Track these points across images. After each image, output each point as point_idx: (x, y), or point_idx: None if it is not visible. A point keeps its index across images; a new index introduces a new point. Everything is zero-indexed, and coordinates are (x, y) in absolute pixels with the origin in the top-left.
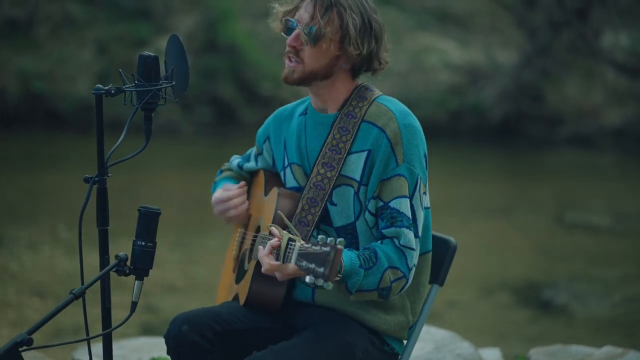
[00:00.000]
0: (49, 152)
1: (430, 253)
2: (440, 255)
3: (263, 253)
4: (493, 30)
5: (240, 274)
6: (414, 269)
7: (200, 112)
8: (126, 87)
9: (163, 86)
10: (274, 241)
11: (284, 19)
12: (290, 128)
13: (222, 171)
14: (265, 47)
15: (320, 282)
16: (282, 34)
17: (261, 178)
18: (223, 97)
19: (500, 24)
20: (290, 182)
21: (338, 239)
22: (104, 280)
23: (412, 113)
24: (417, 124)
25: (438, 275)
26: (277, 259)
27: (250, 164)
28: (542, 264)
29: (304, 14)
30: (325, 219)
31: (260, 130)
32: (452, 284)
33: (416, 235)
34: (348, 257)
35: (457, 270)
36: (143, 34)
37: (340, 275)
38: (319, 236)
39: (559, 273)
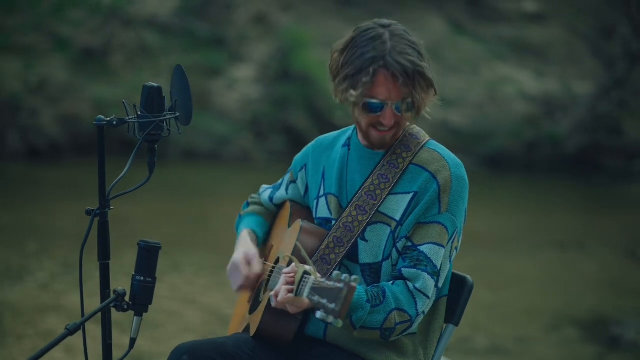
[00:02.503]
0: (124, 180)
1: (446, 298)
2: (457, 294)
3: (279, 284)
4: (569, 60)
5: (254, 305)
6: (422, 315)
7: (273, 141)
8: (128, 119)
9: (165, 117)
10: (289, 272)
11: (365, 101)
12: (331, 158)
13: (248, 204)
14: None
15: (330, 318)
16: (363, 112)
17: (287, 210)
18: (296, 125)
19: (576, 55)
20: (323, 212)
21: (353, 276)
22: (105, 316)
23: (463, 165)
24: (466, 176)
25: (454, 315)
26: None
27: (281, 193)
28: (612, 298)
29: (390, 90)
30: (350, 256)
31: (298, 157)
32: (518, 317)
33: (436, 285)
34: (356, 291)
35: (524, 304)
36: (217, 62)
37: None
38: (335, 272)
39: (629, 309)
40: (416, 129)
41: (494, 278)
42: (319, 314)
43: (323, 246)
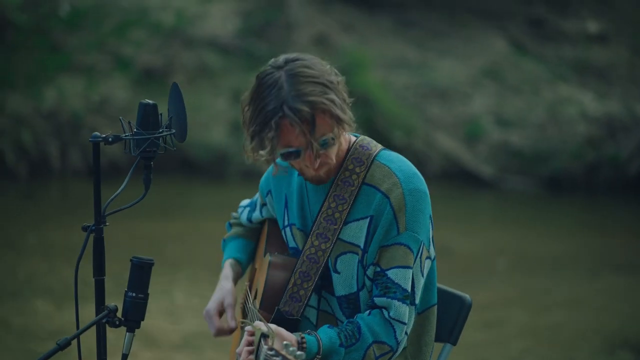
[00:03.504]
0: (183, 199)
1: (436, 307)
2: (454, 313)
3: (241, 344)
4: (632, 81)
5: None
6: (404, 339)
7: None
8: (124, 136)
9: (161, 134)
10: (251, 332)
11: (279, 154)
12: (291, 186)
13: (230, 225)
14: (397, 97)
15: None
16: (281, 161)
17: (265, 229)
18: None
19: (639, 76)
20: (291, 242)
21: (298, 352)
22: (100, 332)
23: (417, 172)
24: (423, 185)
25: (451, 334)
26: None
27: (257, 214)
28: None
29: (295, 139)
30: (327, 286)
31: (262, 180)
32: (571, 340)
33: (412, 304)
34: (327, 335)
35: (578, 326)
36: None
37: (320, 356)
38: (285, 342)
39: None
40: (366, 139)
41: (549, 301)
42: None
43: (290, 284)
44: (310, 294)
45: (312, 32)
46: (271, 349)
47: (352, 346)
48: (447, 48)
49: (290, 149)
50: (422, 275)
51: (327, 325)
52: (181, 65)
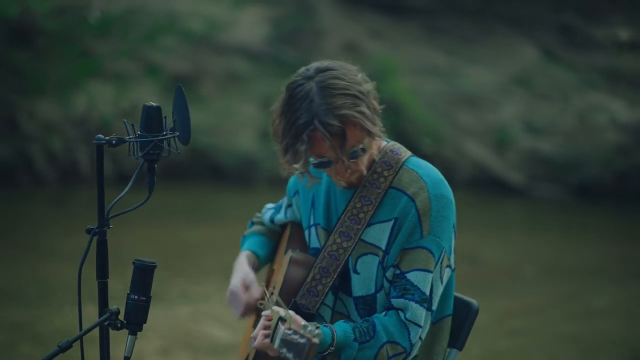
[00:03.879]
0: (211, 205)
1: (450, 317)
2: (461, 319)
3: (257, 327)
4: None
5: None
6: (418, 343)
7: None
8: (128, 138)
9: (164, 137)
10: (268, 316)
11: (312, 162)
12: (319, 186)
13: (253, 223)
14: (427, 104)
15: None
16: (313, 170)
17: (287, 232)
18: None
19: None
20: (314, 242)
21: (316, 331)
22: (103, 334)
23: (444, 180)
24: (449, 193)
25: (457, 339)
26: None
27: (280, 216)
28: None
29: (327, 151)
30: (344, 288)
31: (291, 181)
32: (598, 349)
33: (428, 309)
34: (342, 329)
35: (605, 335)
36: None
37: (333, 348)
38: (303, 323)
39: None
40: (397, 145)
41: (576, 310)
42: None
43: (309, 279)
44: (328, 291)
45: (341, 39)
46: (289, 328)
47: (366, 343)
48: (476, 55)
49: (323, 159)
50: (441, 283)
51: (343, 320)
52: (210, 71)
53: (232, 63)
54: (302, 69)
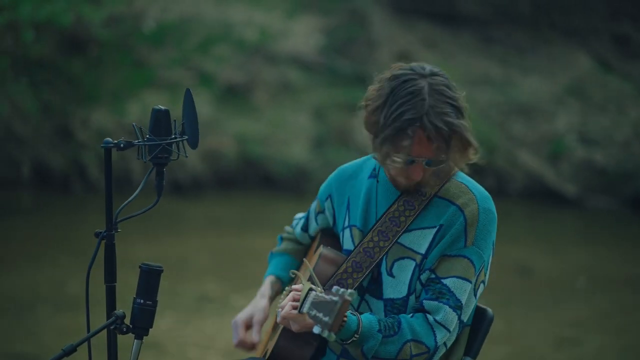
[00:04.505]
0: (263, 215)
1: (469, 327)
2: (476, 327)
3: (286, 299)
4: None
5: (276, 325)
6: (443, 348)
7: None
8: (136, 142)
9: (172, 140)
10: (297, 289)
11: (404, 159)
12: (355, 188)
13: (282, 238)
14: (480, 114)
15: (325, 332)
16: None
17: (317, 241)
18: None
19: None
20: (348, 244)
21: (349, 290)
22: (110, 339)
23: (491, 197)
24: (495, 210)
25: (472, 348)
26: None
27: (312, 223)
28: None
29: (423, 150)
30: (373, 291)
31: (323, 187)
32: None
33: (460, 319)
34: (367, 319)
35: None
36: (358, 99)
37: (358, 336)
38: (335, 286)
39: None
40: None
41: (627, 323)
42: (316, 329)
43: (341, 270)
44: (357, 285)
45: (394, 49)
46: (322, 290)
47: (390, 337)
48: (530, 65)
49: (409, 158)
50: (475, 296)
51: (369, 312)
52: (263, 81)
53: (285, 73)
54: (415, 64)
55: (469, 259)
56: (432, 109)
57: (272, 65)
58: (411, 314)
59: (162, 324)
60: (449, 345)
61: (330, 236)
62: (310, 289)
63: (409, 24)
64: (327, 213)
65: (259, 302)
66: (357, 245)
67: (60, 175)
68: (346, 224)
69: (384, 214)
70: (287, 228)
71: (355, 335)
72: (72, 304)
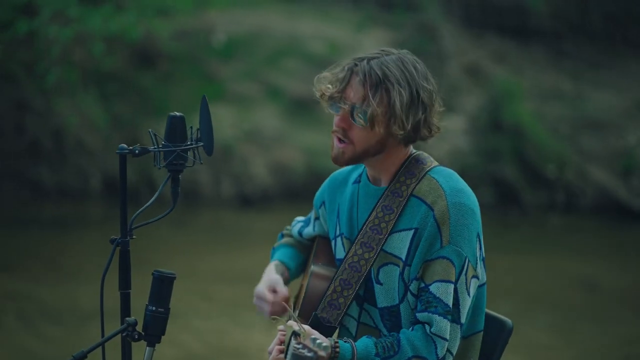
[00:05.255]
0: None
1: (481, 333)
2: (494, 337)
3: (273, 342)
4: None
5: None
6: (448, 356)
7: (481, 193)
8: (151, 148)
9: (187, 147)
10: (283, 331)
11: (329, 99)
12: (344, 195)
13: (283, 235)
14: (551, 129)
15: None
16: (330, 111)
17: (314, 246)
18: (505, 178)
19: None
20: (340, 253)
21: (324, 344)
22: (125, 346)
23: (466, 190)
24: (470, 201)
25: (490, 359)
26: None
27: (309, 229)
28: None
29: (352, 94)
30: (369, 299)
31: (317, 193)
32: None
33: (455, 322)
34: (363, 344)
35: None
36: None
37: None
38: (313, 337)
39: None
40: (424, 155)
41: None
42: None
43: (329, 291)
44: (350, 303)
45: (464, 62)
46: (299, 343)
47: (390, 358)
48: (602, 79)
49: (337, 101)
50: (468, 294)
51: (367, 335)
52: None
53: None
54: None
55: (447, 258)
56: (378, 60)
57: None
58: (411, 327)
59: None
60: (454, 350)
61: (326, 242)
62: (293, 333)
63: (479, 38)
64: (322, 220)
65: (268, 274)
66: (342, 261)
67: (129, 187)
68: (337, 232)
69: (364, 224)
70: (287, 227)
71: None
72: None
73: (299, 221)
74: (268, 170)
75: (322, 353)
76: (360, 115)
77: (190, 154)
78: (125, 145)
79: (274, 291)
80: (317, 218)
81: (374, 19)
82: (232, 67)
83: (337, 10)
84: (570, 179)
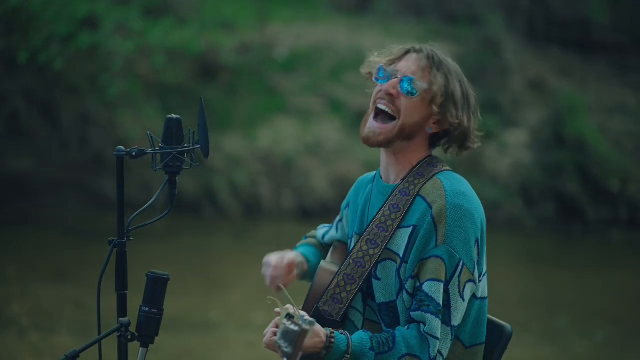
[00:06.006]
0: None
1: (483, 345)
2: (492, 343)
3: (270, 325)
4: None
5: None
6: (439, 357)
7: (543, 207)
8: (148, 150)
9: (183, 149)
10: (278, 313)
11: (382, 67)
12: (363, 196)
13: (306, 237)
14: (614, 143)
15: None
16: (376, 80)
17: (331, 248)
18: (567, 192)
19: None
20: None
21: (309, 319)
22: (121, 346)
23: (469, 194)
24: (470, 206)
25: None
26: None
27: (332, 232)
28: None
29: (409, 66)
30: (371, 295)
31: (347, 195)
32: None
33: (445, 323)
34: (359, 337)
35: None
36: (490, 126)
37: (348, 356)
38: (302, 315)
39: None
40: (436, 159)
41: None
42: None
43: (333, 285)
44: (353, 298)
45: (527, 76)
46: (289, 320)
47: (384, 353)
48: None
49: (392, 68)
50: (462, 298)
51: (363, 330)
52: None
53: None
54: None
55: (440, 257)
56: (438, 50)
57: None
58: (406, 326)
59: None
60: (445, 352)
61: (343, 245)
62: (287, 315)
63: (543, 52)
64: (345, 221)
65: (285, 252)
66: (347, 256)
67: (192, 200)
68: (353, 230)
69: (371, 221)
70: (312, 232)
71: (346, 356)
72: (201, 327)
73: (323, 226)
74: (328, 183)
75: (305, 327)
76: (413, 85)
77: (188, 156)
78: (122, 147)
79: (282, 258)
80: (340, 220)
81: (437, 32)
82: (294, 80)
83: (400, 23)
84: (634, 193)
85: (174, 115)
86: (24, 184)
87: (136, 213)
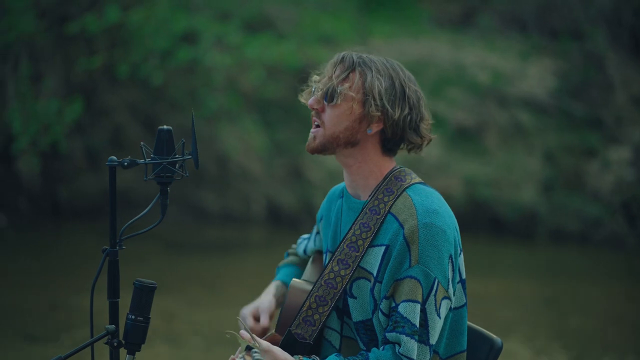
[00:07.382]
0: (490, 258)
1: (464, 353)
2: (483, 356)
3: (236, 353)
4: None
5: None
6: None
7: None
8: (140, 161)
9: (174, 159)
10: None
11: (311, 85)
12: (334, 210)
13: (288, 254)
14: None
15: None
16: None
17: (309, 262)
18: None
19: None
20: None
21: (256, 356)
22: (112, 354)
23: (440, 210)
24: (442, 223)
25: None
26: None
27: (310, 245)
28: None
29: (330, 75)
30: (347, 313)
31: (320, 209)
32: None
33: (423, 342)
34: None
35: None
36: (592, 143)
37: None
38: (254, 351)
39: None
40: (405, 171)
41: None
42: None
43: (305, 307)
44: (326, 319)
45: (631, 92)
46: (242, 356)
47: None
48: None
49: (314, 83)
50: (438, 315)
51: (335, 354)
52: (495, 124)
53: (516, 115)
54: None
55: (415, 278)
56: (362, 54)
57: (503, 108)
58: (382, 347)
59: None
60: None
61: (320, 259)
62: (247, 347)
63: None
64: (321, 234)
65: (262, 297)
66: (318, 278)
67: (290, 213)
68: (326, 247)
69: (341, 241)
70: (293, 245)
71: None
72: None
73: (303, 239)
74: None
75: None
76: (330, 92)
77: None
78: (114, 158)
79: (255, 318)
80: (317, 233)
81: (540, 48)
82: None
83: (502, 39)
84: None
85: (164, 127)
86: (127, 197)
87: (129, 223)
